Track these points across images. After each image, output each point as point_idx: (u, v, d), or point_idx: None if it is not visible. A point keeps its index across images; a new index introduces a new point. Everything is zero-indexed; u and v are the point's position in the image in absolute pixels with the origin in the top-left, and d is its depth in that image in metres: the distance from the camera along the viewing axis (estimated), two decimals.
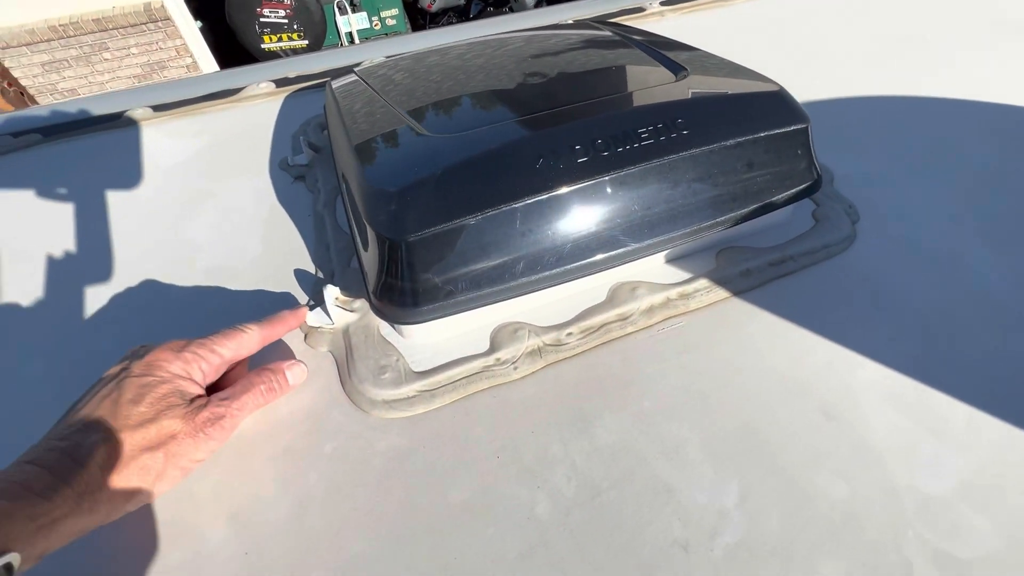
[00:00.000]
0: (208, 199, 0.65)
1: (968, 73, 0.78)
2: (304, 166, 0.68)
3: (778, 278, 0.50)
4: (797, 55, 0.87)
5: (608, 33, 0.67)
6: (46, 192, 0.67)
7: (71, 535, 0.30)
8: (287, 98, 0.83)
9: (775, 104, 0.49)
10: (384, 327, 0.47)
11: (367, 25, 5.11)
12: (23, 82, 3.83)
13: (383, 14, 5.13)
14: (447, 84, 0.58)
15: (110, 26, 3.76)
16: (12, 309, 0.53)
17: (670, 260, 0.52)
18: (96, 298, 0.53)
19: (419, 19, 5.96)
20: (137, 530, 0.36)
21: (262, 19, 4.50)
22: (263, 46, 4.65)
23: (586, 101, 0.49)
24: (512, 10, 5.51)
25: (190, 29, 4.03)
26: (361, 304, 0.49)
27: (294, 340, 0.48)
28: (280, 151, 0.72)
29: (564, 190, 0.42)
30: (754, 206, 0.48)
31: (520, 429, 0.40)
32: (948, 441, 0.38)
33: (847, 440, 0.39)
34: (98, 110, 0.81)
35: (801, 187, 0.49)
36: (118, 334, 0.50)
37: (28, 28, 3.58)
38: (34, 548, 0.28)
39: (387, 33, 5.21)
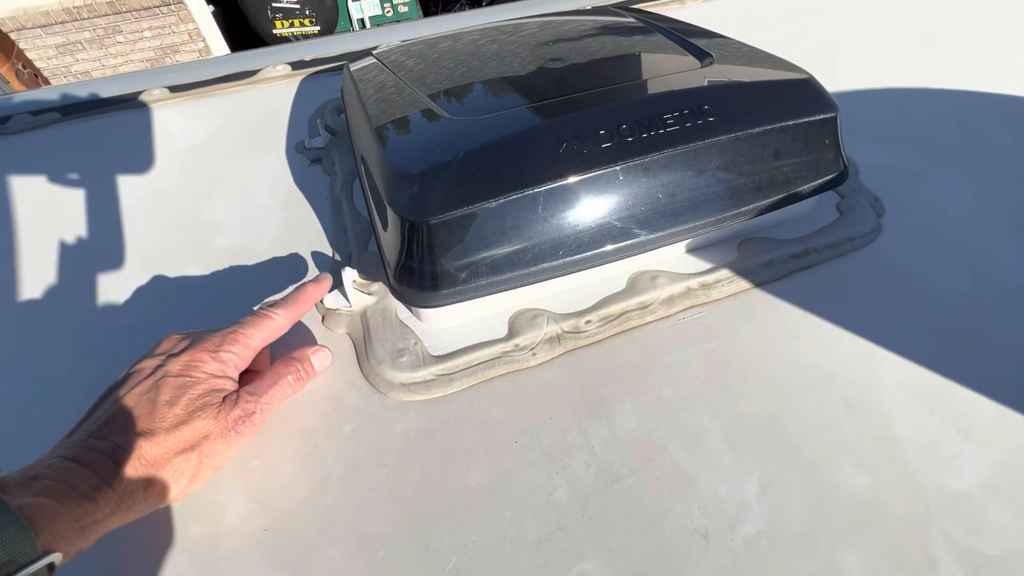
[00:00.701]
0: (225, 180, 0.65)
1: (999, 64, 0.76)
2: (321, 149, 0.67)
3: (801, 270, 0.50)
4: (825, 44, 0.85)
5: (631, 19, 0.66)
6: (64, 170, 0.67)
7: (105, 532, 0.31)
8: (303, 81, 0.82)
9: (803, 92, 0.49)
10: (402, 310, 0.47)
11: (379, 12, 5.08)
12: (37, 64, 3.84)
13: (395, 1, 5.09)
14: (468, 68, 0.57)
15: (123, 8, 3.76)
16: (32, 286, 0.53)
17: (691, 250, 0.51)
18: (114, 277, 0.53)
19: (432, 6, 5.92)
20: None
21: (274, 4, 4.49)
22: (275, 31, 4.64)
23: (609, 86, 0.49)
24: None
25: (203, 13, 4.02)
26: (379, 287, 0.49)
27: (312, 322, 0.48)
28: (296, 134, 0.72)
29: (587, 176, 0.42)
30: (779, 196, 0.47)
31: (539, 415, 0.40)
32: (973, 437, 0.38)
33: (869, 433, 0.38)
34: (115, 91, 0.80)
35: (828, 178, 0.48)
36: (138, 313, 0.50)
37: (43, 10, 3.59)
38: (73, 547, 0.29)
39: (399, 20, 5.17)
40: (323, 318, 0.48)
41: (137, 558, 0.35)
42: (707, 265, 0.50)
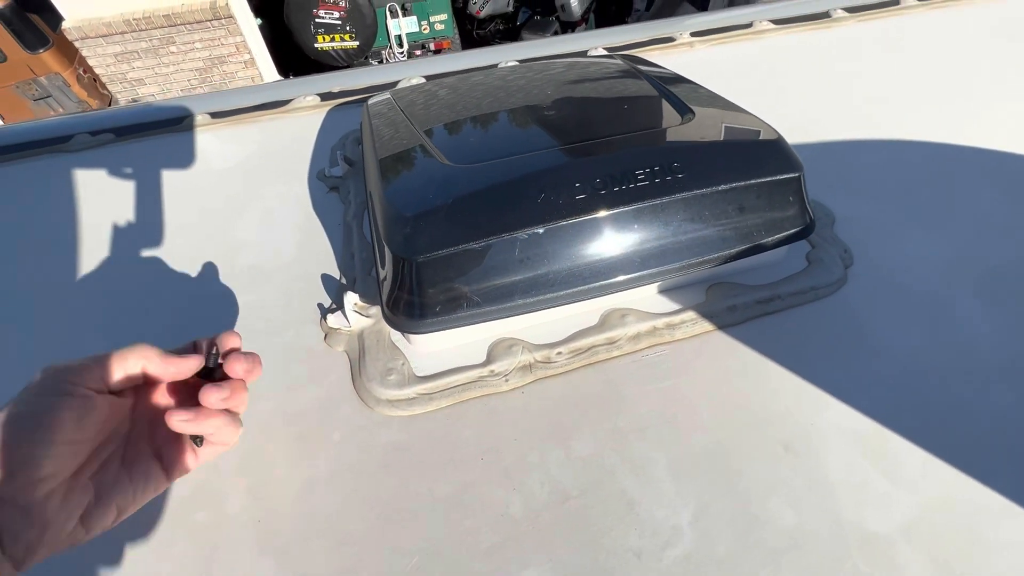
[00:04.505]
0: (254, 202, 0.72)
1: (979, 120, 0.79)
2: (339, 178, 0.74)
3: (764, 316, 0.53)
4: (817, 91, 0.89)
5: (626, 67, 0.71)
6: (115, 187, 0.76)
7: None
8: (330, 111, 0.90)
9: (771, 152, 0.53)
10: (394, 333, 0.53)
11: (416, 28, 5.25)
12: (97, 70, 4.10)
13: (432, 18, 5.27)
14: (469, 114, 0.63)
15: (178, 22, 3.99)
16: (76, 289, 0.61)
17: (662, 291, 0.55)
18: (150, 284, 0.61)
19: (467, 24, 6.09)
20: (170, 491, 0.43)
21: (317, 20, 4.70)
22: (316, 45, 4.85)
23: (592, 140, 0.54)
24: (559, 19, 5.56)
25: (250, 27, 4.24)
26: (376, 311, 0.54)
27: (315, 339, 0.54)
28: (320, 161, 0.79)
29: (562, 223, 0.47)
30: (743, 247, 0.51)
31: (505, 436, 0.45)
32: (900, 483, 0.41)
33: (803, 472, 0.42)
34: (164, 115, 0.89)
35: (792, 231, 0.52)
36: (165, 319, 0.57)
37: (105, 21, 3.84)
38: None
39: (435, 38, 5.34)
40: (325, 336, 0.54)
41: (145, 536, 0.41)
42: (675, 306, 0.54)
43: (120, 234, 0.68)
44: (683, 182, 0.49)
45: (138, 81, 4.25)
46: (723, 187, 0.49)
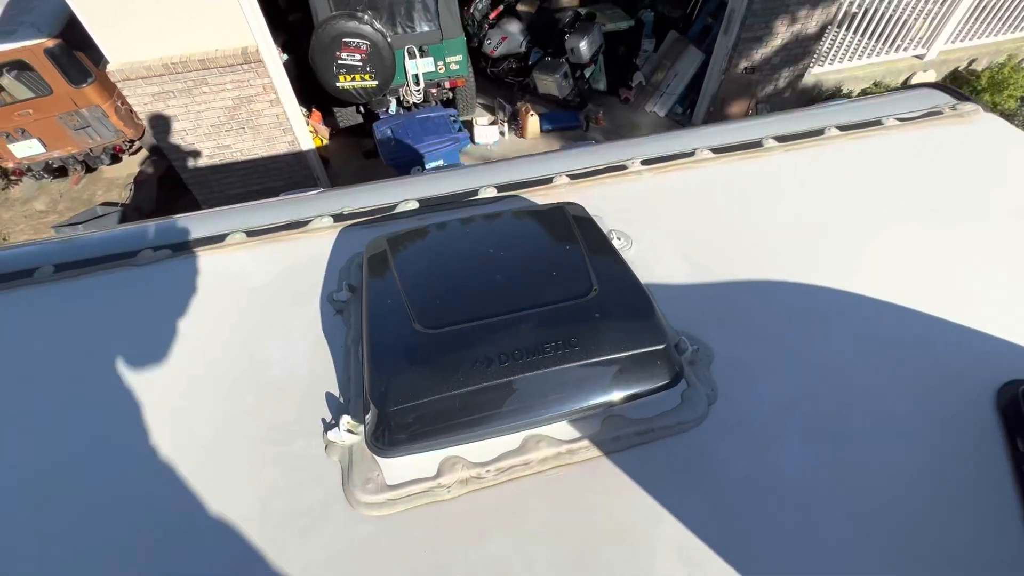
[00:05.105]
0: (275, 321, 0.94)
1: (864, 256, 0.98)
2: (343, 302, 0.96)
3: (640, 444, 0.74)
4: (738, 223, 1.09)
5: (564, 228, 0.92)
6: (174, 298, 0.99)
7: None
8: (341, 232, 1.12)
9: (647, 328, 0.73)
10: None
11: (432, 68, 5.54)
12: (135, 108, 4.43)
13: (448, 59, 5.55)
14: (437, 275, 0.84)
15: (211, 65, 4.32)
16: (127, 394, 0.83)
17: (572, 421, 0.76)
18: (184, 391, 0.83)
19: (482, 62, 6.38)
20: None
21: (340, 61, 5.00)
22: (338, 84, 5.16)
23: (519, 311, 0.75)
24: (569, 61, 5.82)
25: (277, 70, 4.55)
26: (363, 430, 0.76)
27: (318, 449, 0.75)
28: (332, 281, 1.01)
29: (495, 382, 0.68)
30: (625, 395, 0.72)
31: (444, 535, 0.66)
32: None
33: (632, 572, 0.62)
34: (210, 229, 1.12)
35: (660, 384, 0.73)
36: (207, 430, 0.79)
37: (146, 64, 4.17)
38: None
39: (449, 77, 5.61)
40: (325, 446, 0.75)
41: None
42: (577, 434, 0.74)
43: (178, 344, 0.91)
44: (578, 353, 0.70)
45: (172, 117, 4.58)
46: (608, 357, 0.70)
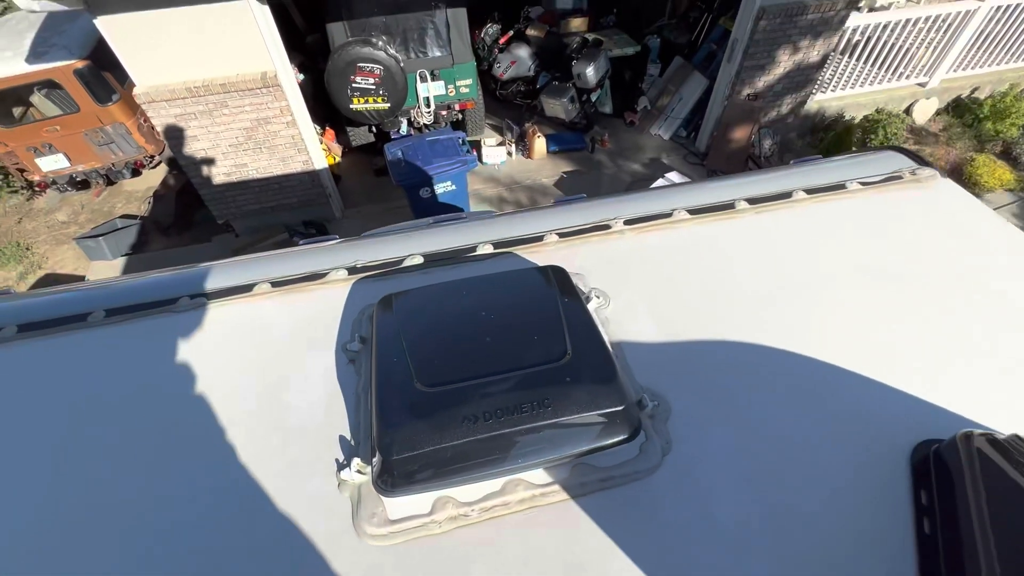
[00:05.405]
0: (296, 368, 1.09)
1: (827, 316, 1.11)
2: (355, 352, 1.11)
3: (602, 490, 0.87)
4: (709, 282, 1.22)
5: (546, 292, 1.06)
6: (209, 344, 1.14)
7: None
8: (355, 284, 1.27)
9: (610, 391, 0.87)
10: None
11: (443, 91, 5.73)
12: (157, 128, 4.65)
13: (458, 82, 5.74)
14: (436, 335, 0.99)
15: (232, 89, 4.53)
16: (158, 439, 0.98)
17: (546, 468, 0.89)
18: (218, 431, 0.97)
19: (492, 83, 6.57)
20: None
21: (354, 85, 5.20)
22: (351, 106, 5.35)
23: (502, 374, 0.88)
24: (575, 86, 5.99)
25: (294, 93, 4.75)
26: (370, 471, 0.90)
27: (331, 486, 0.89)
28: (345, 332, 1.16)
29: (480, 437, 0.82)
30: (589, 448, 0.85)
31: (436, 564, 0.80)
32: None
33: None
34: (238, 280, 1.28)
35: (619, 439, 0.86)
36: (232, 472, 0.93)
37: (170, 88, 4.38)
38: None
39: (459, 99, 5.79)
40: (338, 484, 0.89)
41: None
42: (550, 479, 0.88)
43: (212, 388, 1.05)
44: (551, 412, 0.84)
45: (192, 137, 4.79)
46: (575, 416, 0.84)
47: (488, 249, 1.34)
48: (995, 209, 5.39)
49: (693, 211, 1.43)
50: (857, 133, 5.95)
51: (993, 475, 0.75)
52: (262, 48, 4.33)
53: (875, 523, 0.83)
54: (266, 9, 4.21)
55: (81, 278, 5.27)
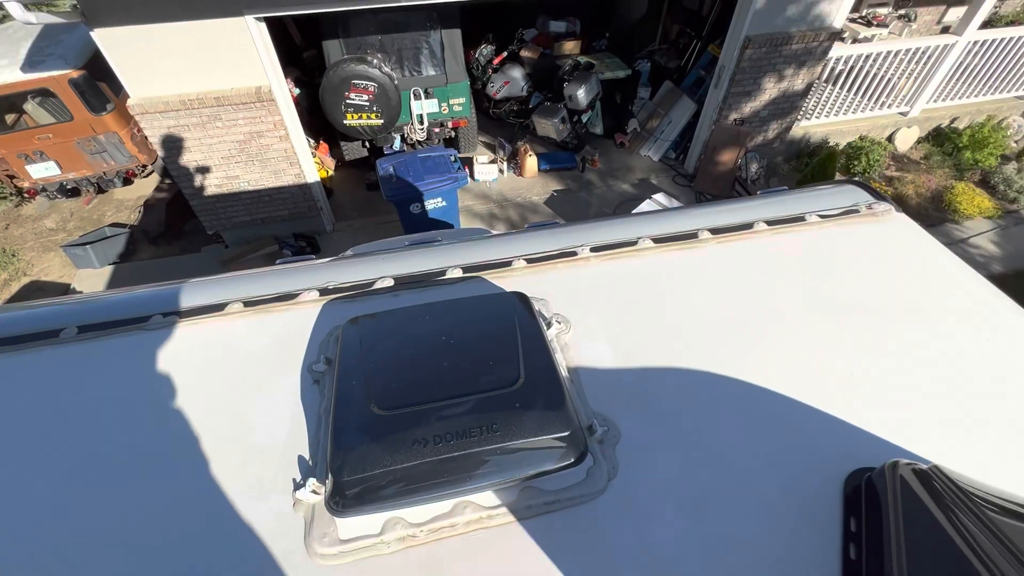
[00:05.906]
0: (262, 388, 1.12)
1: (777, 346, 1.16)
2: (320, 373, 1.14)
3: (548, 512, 0.90)
4: (668, 310, 1.26)
5: (507, 319, 1.10)
6: (178, 362, 1.17)
7: None
8: (325, 305, 1.31)
9: (559, 418, 0.91)
10: None
11: (436, 109, 5.82)
12: (150, 139, 4.69)
13: (452, 101, 5.83)
14: (395, 360, 1.02)
15: (226, 102, 4.58)
16: (132, 443, 1.00)
17: (494, 490, 0.93)
18: (182, 448, 1.00)
19: (485, 102, 6.68)
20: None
21: (348, 101, 5.28)
22: (345, 122, 5.43)
23: (454, 398, 0.92)
24: (567, 107, 6.10)
25: (287, 108, 4.81)
26: (324, 492, 0.92)
27: (287, 506, 0.92)
28: (312, 353, 1.19)
29: (429, 460, 0.85)
30: (535, 473, 0.89)
31: None
32: None
33: None
34: (211, 299, 1.31)
35: (565, 464, 0.90)
36: (198, 482, 0.96)
37: (164, 100, 4.43)
38: None
39: (452, 117, 5.88)
40: (293, 504, 0.92)
41: None
42: (498, 501, 0.91)
43: (179, 406, 1.08)
44: (499, 437, 0.87)
45: (185, 148, 4.83)
46: (523, 440, 0.88)
47: (457, 273, 1.38)
48: (974, 236, 5.53)
49: (657, 239, 1.48)
50: (841, 159, 6.09)
51: (911, 503, 0.79)
52: (258, 64, 4.41)
53: (805, 549, 0.86)
54: (263, 26, 4.29)
55: (67, 286, 5.26)
